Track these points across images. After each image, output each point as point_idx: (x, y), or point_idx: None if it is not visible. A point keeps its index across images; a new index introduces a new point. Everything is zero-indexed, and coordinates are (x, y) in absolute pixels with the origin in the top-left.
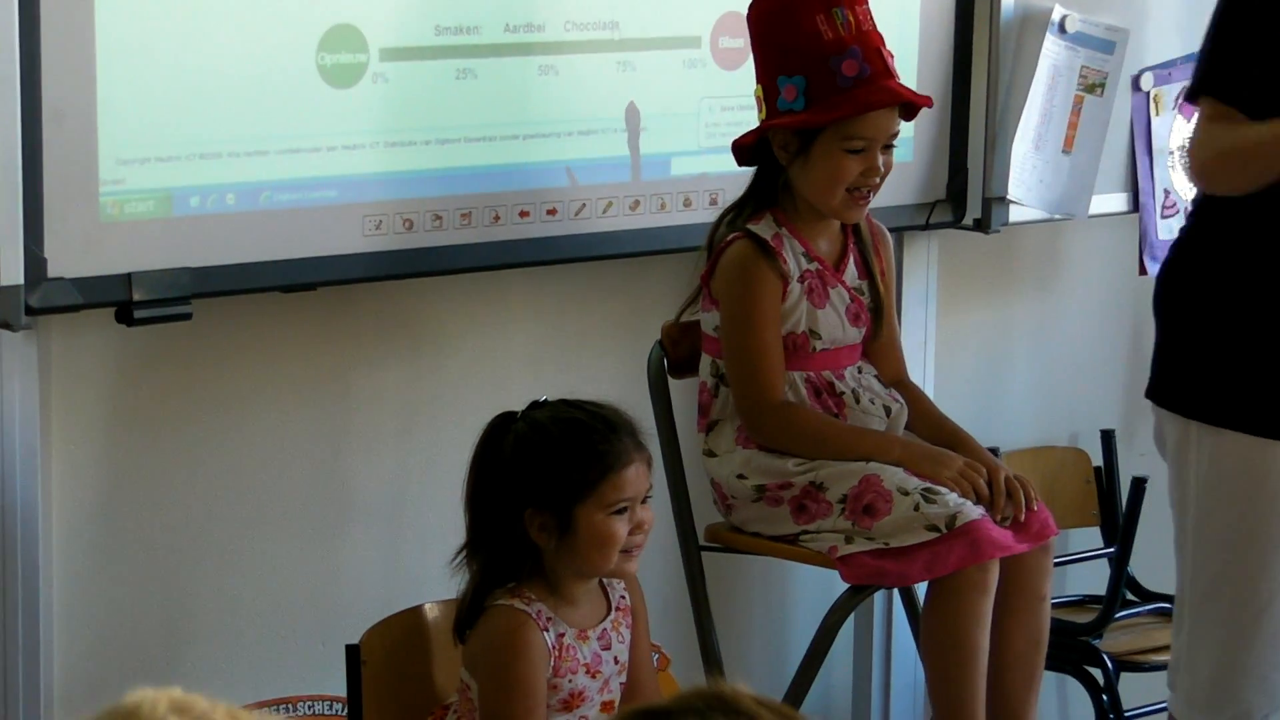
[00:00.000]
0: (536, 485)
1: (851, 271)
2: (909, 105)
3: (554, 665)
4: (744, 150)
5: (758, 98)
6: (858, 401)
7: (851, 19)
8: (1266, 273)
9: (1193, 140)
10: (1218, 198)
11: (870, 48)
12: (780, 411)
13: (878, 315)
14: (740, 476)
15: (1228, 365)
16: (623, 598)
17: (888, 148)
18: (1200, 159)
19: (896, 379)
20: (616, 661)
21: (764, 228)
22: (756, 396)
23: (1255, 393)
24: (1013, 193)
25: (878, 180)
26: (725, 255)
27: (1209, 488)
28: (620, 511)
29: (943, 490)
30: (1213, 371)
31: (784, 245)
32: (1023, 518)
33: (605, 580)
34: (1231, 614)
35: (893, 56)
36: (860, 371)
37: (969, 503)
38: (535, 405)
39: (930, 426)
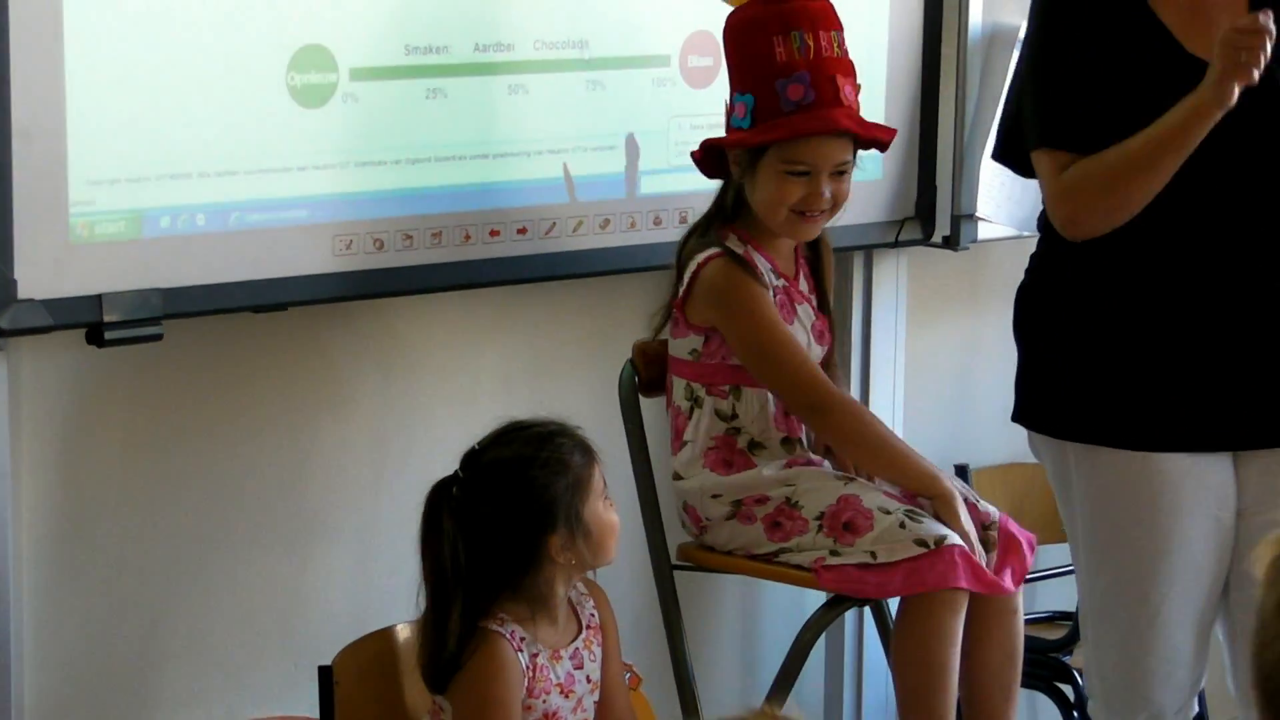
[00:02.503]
0: (548, 509)
1: (803, 286)
2: (877, 138)
3: (528, 686)
4: (710, 162)
5: (726, 110)
6: None
7: (810, 44)
8: (1118, 288)
9: (1051, 196)
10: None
11: (824, 74)
12: (848, 405)
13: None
14: (714, 496)
15: (1093, 383)
16: (592, 615)
17: (839, 174)
18: (1068, 207)
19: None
20: (589, 680)
21: (733, 244)
22: (815, 395)
23: (1123, 408)
24: (981, 210)
25: (824, 207)
26: (704, 276)
27: (1092, 505)
28: (606, 496)
29: (924, 515)
30: (1079, 391)
31: (755, 260)
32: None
33: (575, 599)
34: (1128, 623)
35: (856, 89)
36: None
37: (951, 533)
38: (475, 453)
39: None
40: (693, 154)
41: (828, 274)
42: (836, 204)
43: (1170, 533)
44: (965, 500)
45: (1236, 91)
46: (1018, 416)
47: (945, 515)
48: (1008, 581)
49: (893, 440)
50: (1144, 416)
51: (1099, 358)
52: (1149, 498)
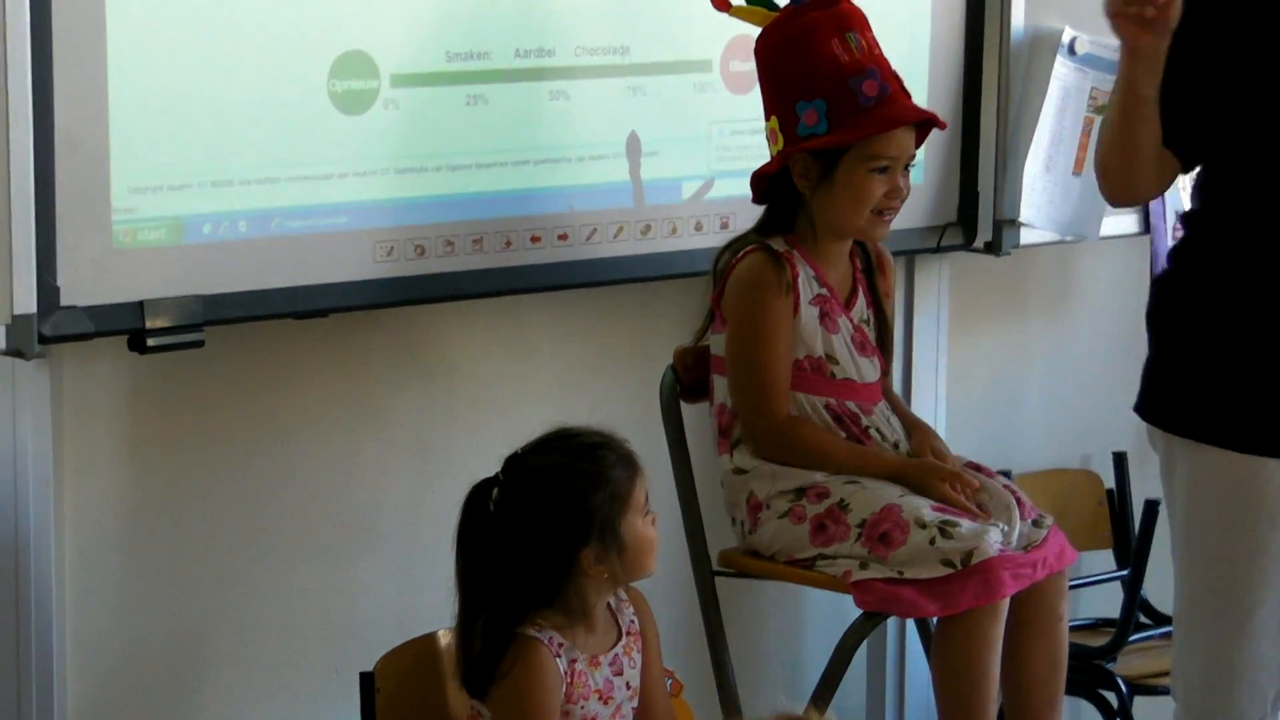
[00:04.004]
0: (583, 521)
1: (860, 304)
2: (921, 129)
3: (566, 692)
4: (759, 186)
5: (772, 130)
6: (884, 439)
7: (864, 43)
8: (1256, 289)
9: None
10: (1210, 211)
11: (886, 69)
12: (788, 428)
13: (884, 344)
14: (782, 492)
15: (1210, 381)
16: (632, 622)
17: (906, 169)
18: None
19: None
20: (628, 687)
21: (776, 244)
22: (767, 413)
23: (1235, 409)
24: (1024, 215)
25: (899, 201)
26: (738, 269)
27: (1193, 501)
28: (647, 512)
29: (960, 523)
30: (1195, 387)
31: (796, 263)
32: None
33: (614, 605)
34: (1217, 623)
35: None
36: (887, 408)
37: (987, 537)
38: (517, 458)
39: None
40: (757, 173)
41: (888, 282)
42: (903, 200)
43: (1268, 540)
44: (1017, 499)
45: (1137, 35)
46: (1137, 407)
47: (937, 492)
48: (1042, 572)
49: (837, 455)
50: (1255, 420)
51: (1222, 356)
52: (1250, 502)
